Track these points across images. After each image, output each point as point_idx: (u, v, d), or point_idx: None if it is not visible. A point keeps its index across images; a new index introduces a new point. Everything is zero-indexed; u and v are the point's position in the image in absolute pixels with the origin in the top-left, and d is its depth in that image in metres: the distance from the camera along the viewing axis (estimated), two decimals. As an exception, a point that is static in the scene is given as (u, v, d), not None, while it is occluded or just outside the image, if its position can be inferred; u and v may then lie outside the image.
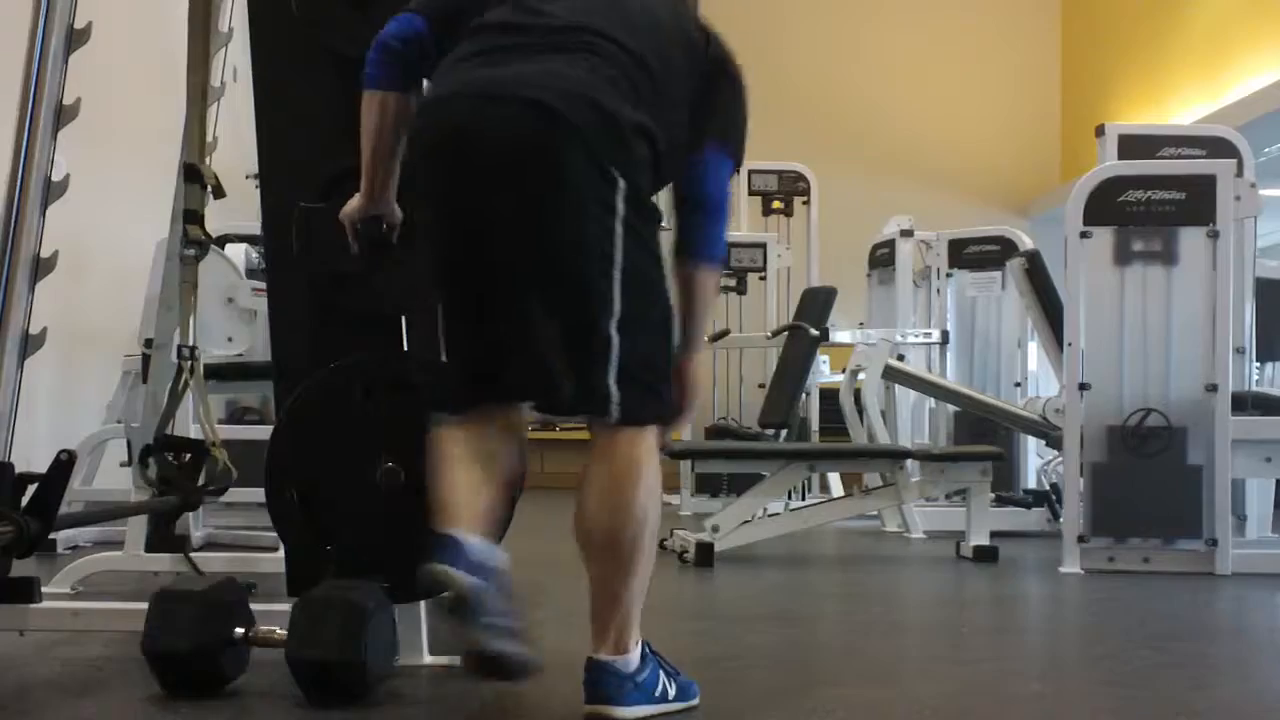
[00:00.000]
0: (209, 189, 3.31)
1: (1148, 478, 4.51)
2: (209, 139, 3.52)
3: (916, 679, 2.75)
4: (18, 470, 2.47)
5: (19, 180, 2.60)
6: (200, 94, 3.25)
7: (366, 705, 2.20)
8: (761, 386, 7.50)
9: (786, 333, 6.57)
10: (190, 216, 3.16)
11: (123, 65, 5.60)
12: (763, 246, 7.80)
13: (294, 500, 2.48)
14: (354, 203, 2.39)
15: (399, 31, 2.22)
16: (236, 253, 5.13)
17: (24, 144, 2.61)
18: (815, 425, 7.42)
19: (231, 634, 2.29)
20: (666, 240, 2.28)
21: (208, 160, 3.47)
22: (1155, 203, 4.57)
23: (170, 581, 2.66)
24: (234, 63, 3.80)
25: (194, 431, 3.58)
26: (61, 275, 2.70)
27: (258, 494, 2.65)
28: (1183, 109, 8.96)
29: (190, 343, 3.28)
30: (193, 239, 3.19)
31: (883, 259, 7.28)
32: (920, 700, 2.48)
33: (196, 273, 3.30)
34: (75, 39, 2.69)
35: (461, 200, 2.08)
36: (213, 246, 3.67)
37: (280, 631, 2.27)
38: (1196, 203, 4.55)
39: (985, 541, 4.90)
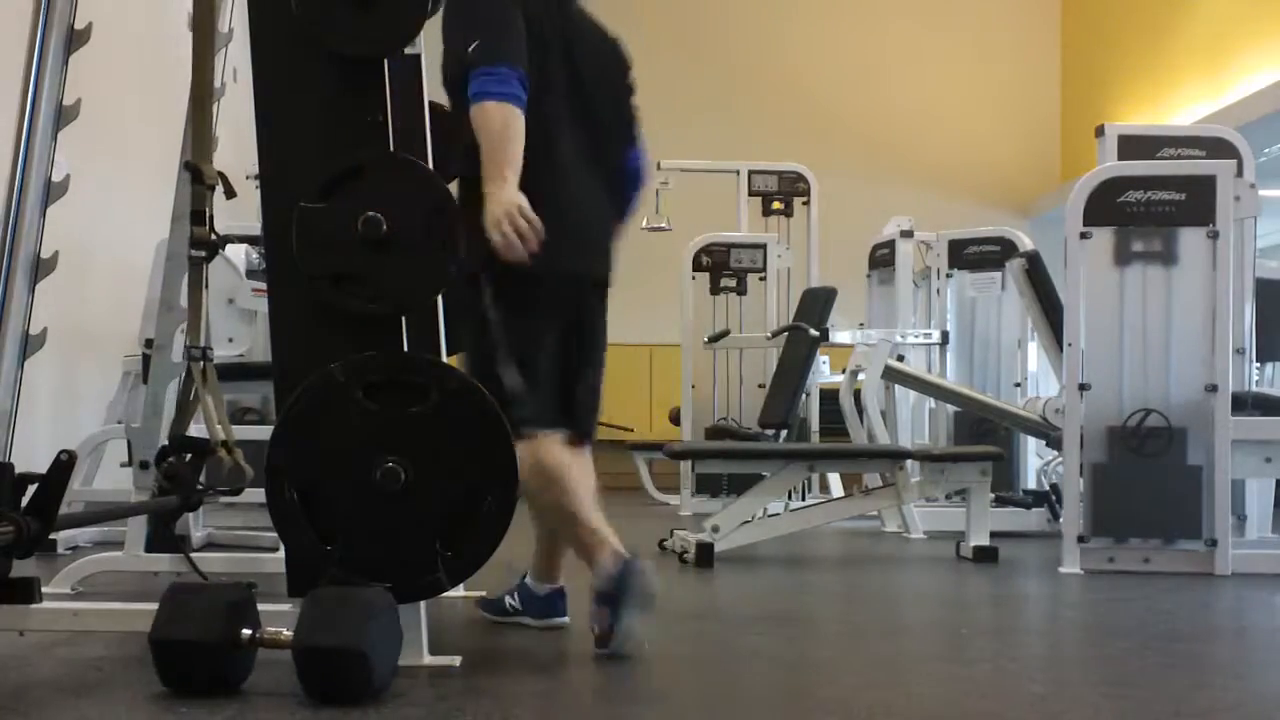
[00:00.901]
0: (216, 189, 3.29)
1: (1148, 478, 4.51)
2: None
3: (916, 679, 2.75)
4: (18, 470, 2.46)
5: (19, 180, 2.60)
6: (205, 94, 3.25)
7: (367, 705, 2.20)
8: (761, 387, 7.50)
9: (786, 333, 6.57)
10: (197, 217, 3.15)
11: (123, 65, 5.60)
12: (763, 247, 7.81)
13: (294, 500, 2.48)
14: (508, 194, 2.70)
15: (525, 80, 2.80)
16: (236, 253, 5.14)
17: (24, 144, 2.61)
18: (815, 425, 7.42)
19: (239, 634, 2.29)
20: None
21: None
22: (1155, 203, 4.57)
23: (180, 579, 2.66)
24: (234, 63, 3.81)
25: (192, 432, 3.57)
26: (62, 275, 2.70)
27: (258, 494, 2.65)
28: (1183, 109, 8.97)
29: (202, 343, 3.27)
30: (198, 239, 3.18)
31: (883, 259, 7.29)
32: (920, 700, 2.48)
33: (204, 274, 3.29)
34: (75, 39, 2.69)
35: (589, 298, 3.06)
36: (212, 247, 3.65)
37: (286, 633, 2.27)
38: (1196, 203, 4.56)
39: (985, 542, 4.90)
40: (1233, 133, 5.61)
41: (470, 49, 2.77)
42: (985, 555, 4.86)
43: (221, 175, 3.31)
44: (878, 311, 7.41)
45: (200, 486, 3.14)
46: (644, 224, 8.20)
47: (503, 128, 2.72)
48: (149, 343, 3.65)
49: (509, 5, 2.89)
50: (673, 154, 8.35)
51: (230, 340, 4.95)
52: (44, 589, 2.63)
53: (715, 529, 4.78)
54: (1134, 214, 4.58)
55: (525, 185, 2.76)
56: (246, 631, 2.30)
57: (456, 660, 2.60)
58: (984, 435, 6.48)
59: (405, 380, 2.50)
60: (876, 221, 7.57)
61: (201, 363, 3.14)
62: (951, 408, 6.81)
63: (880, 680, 2.69)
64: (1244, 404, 4.72)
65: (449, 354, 3.16)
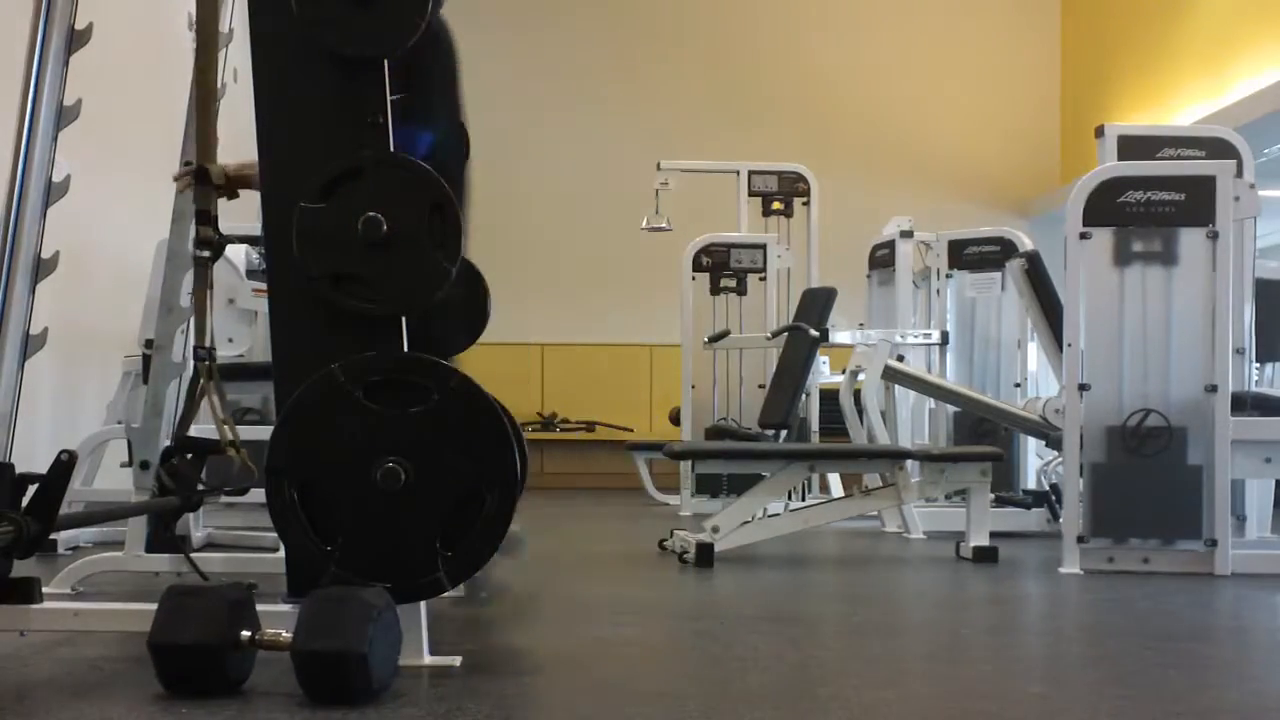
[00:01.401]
0: (219, 189, 3.29)
1: (1148, 478, 4.51)
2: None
3: (916, 679, 2.75)
4: (18, 470, 2.47)
5: (19, 181, 2.60)
6: (208, 94, 3.25)
7: (366, 706, 2.20)
8: (761, 387, 7.50)
9: (786, 333, 6.57)
10: (203, 217, 3.16)
11: (123, 65, 5.60)
12: (763, 247, 7.81)
13: (294, 500, 2.48)
14: None
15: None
16: (236, 253, 5.14)
17: (24, 144, 2.61)
18: (815, 426, 7.43)
19: (239, 635, 2.29)
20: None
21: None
22: (1155, 203, 4.57)
23: (180, 579, 2.66)
24: (234, 63, 3.80)
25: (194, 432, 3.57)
26: (62, 276, 2.70)
27: (258, 494, 2.65)
28: (1183, 109, 8.97)
29: (208, 344, 3.27)
30: (204, 239, 3.18)
31: (883, 260, 7.29)
32: (920, 700, 2.48)
33: (209, 274, 3.29)
34: (75, 39, 2.69)
35: None
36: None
37: (286, 635, 2.27)
38: (1196, 203, 4.56)
39: (985, 542, 4.90)
40: (1233, 133, 5.61)
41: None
42: (985, 555, 4.86)
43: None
44: (878, 312, 7.41)
45: (201, 486, 3.14)
46: (644, 224, 8.23)
47: None
48: (149, 343, 3.65)
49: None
50: (673, 154, 8.37)
51: (230, 340, 4.94)
52: (44, 589, 2.62)
53: (715, 529, 4.78)
54: (1134, 214, 4.58)
55: None
56: (245, 633, 2.30)
57: (456, 660, 2.60)
58: (984, 435, 6.48)
59: (405, 380, 2.50)
60: (876, 221, 7.57)
61: (208, 363, 3.14)
62: (951, 408, 6.81)
63: (880, 680, 2.69)
64: (1244, 404, 4.71)
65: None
